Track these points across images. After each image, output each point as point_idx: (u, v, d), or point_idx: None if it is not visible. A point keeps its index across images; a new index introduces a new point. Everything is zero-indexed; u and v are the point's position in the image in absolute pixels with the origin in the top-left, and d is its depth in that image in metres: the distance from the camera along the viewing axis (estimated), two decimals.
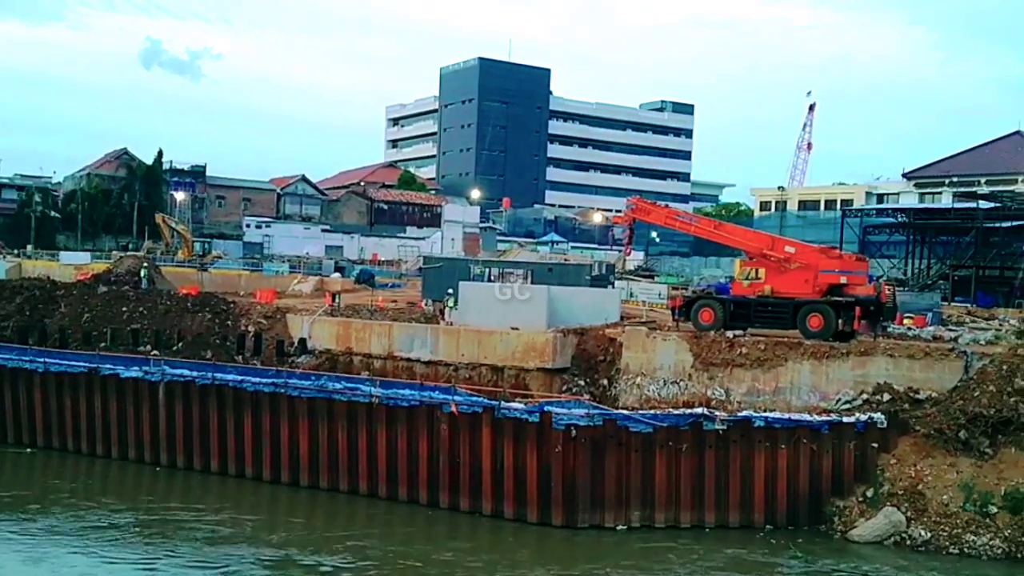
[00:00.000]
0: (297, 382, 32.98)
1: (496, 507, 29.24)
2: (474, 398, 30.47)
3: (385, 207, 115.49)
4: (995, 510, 26.60)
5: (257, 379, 33.66)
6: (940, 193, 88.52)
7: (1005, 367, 29.11)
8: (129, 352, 38.95)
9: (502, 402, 29.84)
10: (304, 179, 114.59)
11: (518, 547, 27.41)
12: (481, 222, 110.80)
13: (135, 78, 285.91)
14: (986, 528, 26.42)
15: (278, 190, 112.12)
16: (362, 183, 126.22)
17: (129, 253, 69.47)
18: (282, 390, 32.80)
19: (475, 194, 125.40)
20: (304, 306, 44.70)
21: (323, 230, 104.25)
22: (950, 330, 40.61)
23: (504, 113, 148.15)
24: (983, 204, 70.50)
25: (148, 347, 40.24)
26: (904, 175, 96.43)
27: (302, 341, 39.80)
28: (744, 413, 29.54)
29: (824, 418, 29.28)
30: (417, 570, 25.39)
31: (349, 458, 31.65)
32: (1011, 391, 28.21)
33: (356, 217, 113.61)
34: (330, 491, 31.77)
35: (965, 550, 26.28)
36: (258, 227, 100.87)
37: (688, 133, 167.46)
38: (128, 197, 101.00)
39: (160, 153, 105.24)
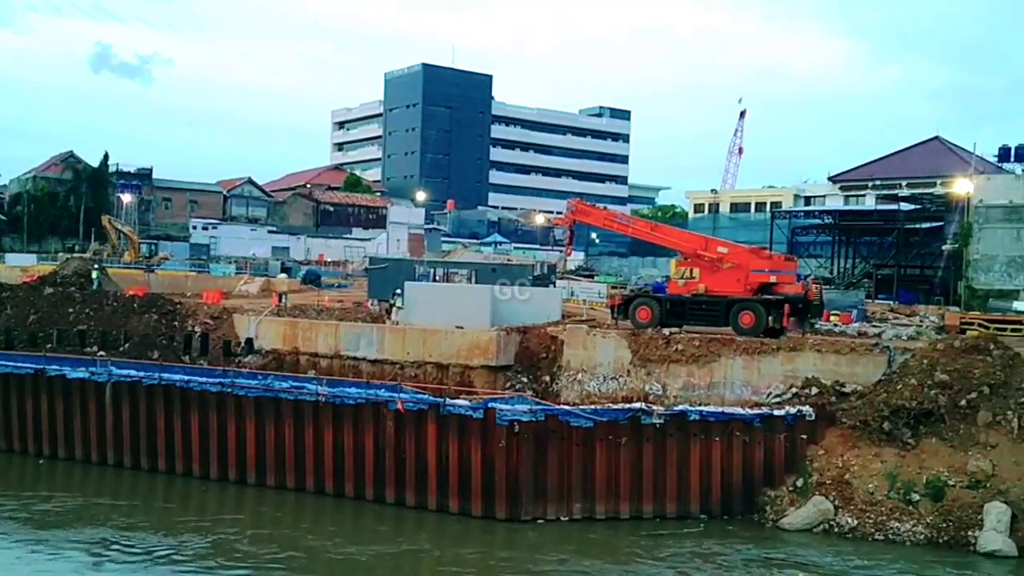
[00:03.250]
0: (244, 381, 32.52)
1: (441, 502, 29.12)
2: (420, 395, 30.31)
3: (331, 209, 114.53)
4: (917, 498, 27.12)
5: (204, 379, 33.12)
6: (864, 196, 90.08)
7: (926, 361, 29.70)
8: (75, 353, 38.10)
9: (447, 399, 29.73)
10: (250, 181, 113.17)
11: (463, 540, 27.31)
12: (426, 224, 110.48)
13: (84, 82, 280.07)
14: (909, 515, 26.93)
15: (225, 192, 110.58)
16: (308, 185, 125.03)
17: (75, 255, 67.97)
18: (229, 390, 32.31)
19: (420, 196, 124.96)
20: (251, 306, 44.11)
21: (269, 231, 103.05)
22: (874, 326, 41.34)
23: (448, 117, 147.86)
24: (904, 206, 72.04)
25: (95, 348, 39.40)
26: (830, 178, 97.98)
27: (249, 341, 39.26)
28: (680, 407, 29.78)
29: (756, 411, 29.63)
30: (365, 565, 25.17)
31: (296, 456, 31.29)
32: (931, 384, 28.78)
33: (302, 219, 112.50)
34: (278, 489, 31.36)
35: (890, 536, 26.76)
36: (204, 229, 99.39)
37: (625, 138, 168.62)
38: (74, 199, 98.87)
39: (106, 156, 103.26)
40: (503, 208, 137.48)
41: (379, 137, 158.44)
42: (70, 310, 42.35)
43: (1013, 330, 34.66)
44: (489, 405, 28.92)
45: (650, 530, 27.71)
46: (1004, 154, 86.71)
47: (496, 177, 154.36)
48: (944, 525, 26.51)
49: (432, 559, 25.92)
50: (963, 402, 28.30)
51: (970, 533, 26.05)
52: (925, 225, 69.30)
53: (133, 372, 34.14)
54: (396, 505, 29.61)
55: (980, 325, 35.38)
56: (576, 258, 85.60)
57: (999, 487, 26.58)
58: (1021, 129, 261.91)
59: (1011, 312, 36.96)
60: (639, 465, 28.74)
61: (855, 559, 25.40)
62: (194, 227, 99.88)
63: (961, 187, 56.98)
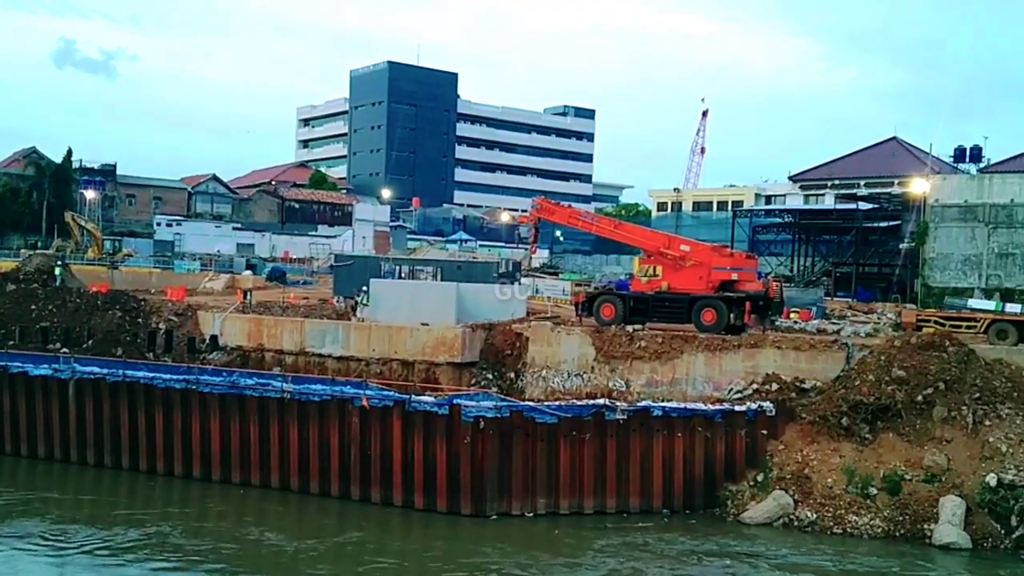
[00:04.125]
0: (208, 378, 32.22)
1: (406, 498, 29.03)
2: (385, 392, 30.21)
3: (296, 206, 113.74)
4: (875, 492, 27.45)
5: (168, 376, 32.77)
6: (823, 195, 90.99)
7: (883, 358, 30.06)
8: (38, 350, 37.50)
9: (412, 396, 29.66)
10: (215, 178, 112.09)
11: (428, 536, 27.29)
12: (391, 221, 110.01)
13: (47, 78, 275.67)
14: (867, 509, 27.26)
15: (189, 189, 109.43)
16: (273, 182, 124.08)
17: (38, 251, 66.88)
18: (193, 387, 32.00)
19: (385, 194, 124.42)
20: (215, 303, 43.69)
21: (234, 228, 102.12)
22: (833, 323, 41.76)
23: (413, 115, 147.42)
24: (862, 205, 72.80)
25: (58, 345, 38.81)
26: (790, 178, 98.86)
27: (213, 338, 38.86)
28: (643, 403, 29.92)
29: (717, 407, 29.84)
30: (328, 561, 25.03)
31: (261, 453, 31.07)
32: (889, 380, 29.13)
33: (267, 215, 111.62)
34: (242, 485, 31.13)
35: (848, 530, 27.07)
36: (169, 225, 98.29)
37: (590, 137, 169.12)
38: (37, 196, 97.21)
39: (69, 152, 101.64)
40: (468, 206, 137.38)
41: (345, 134, 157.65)
42: (32, 307, 41.62)
43: (968, 327, 35.12)
44: (454, 402, 28.88)
45: (614, 525, 27.82)
46: (959, 155, 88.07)
47: (461, 175, 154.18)
48: (901, 519, 26.85)
49: (396, 555, 25.83)
50: (919, 398, 28.68)
51: (926, 526, 26.43)
52: (883, 224, 70.09)
53: (97, 369, 33.72)
54: (361, 502, 29.49)
55: (936, 322, 35.81)
56: (541, 256, 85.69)
57: (954, 481, 26.98)
58: (976, 130, 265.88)
59: (966, 310, 37.41)
60: (603, 461, 28.84)
61: (814, 552, 25.68)
62: (158, 224, 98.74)
63: (918, 187, 57.69)
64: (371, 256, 63.42)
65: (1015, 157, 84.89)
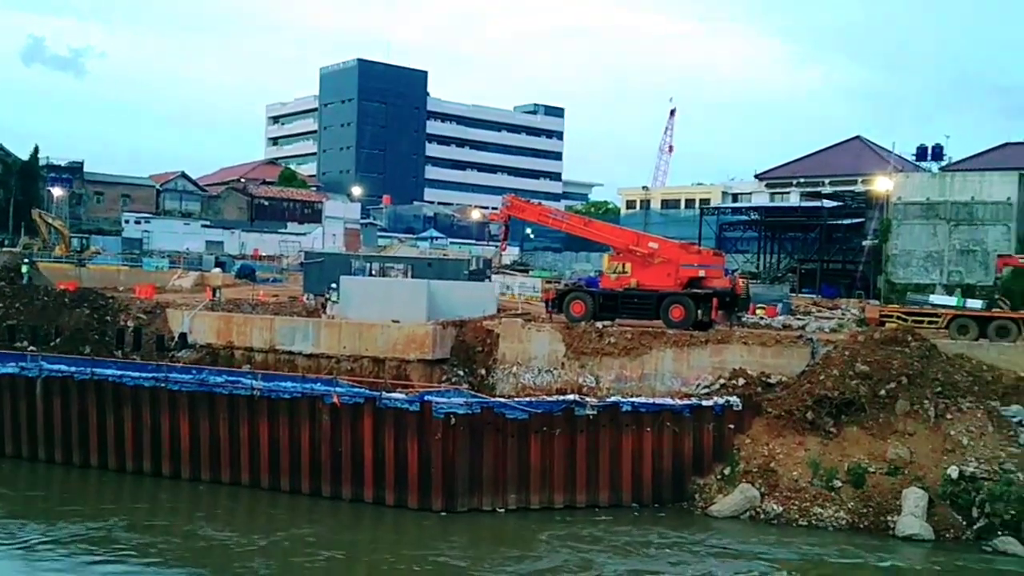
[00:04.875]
0: (178, 376, 31.97)
1: (378, 494, 28.99)
2: (356, 389, 30.13)
3: (266, 203, 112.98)
4: (839, 484, 27.75)
5: (137, 374, 32.48)
6: (788, 193, 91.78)
7: (847, 353, 30.40)
8: (6, 348, 37.07)
9: (383, 393, 29.60)
10: (184, 175, 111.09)
11: (399, 532, 27.26)
12: (362, 218, 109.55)
13: (15, 75, 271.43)
14: (831, 501, 27.55)
15: (157, 186, 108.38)
16: (242, 180, 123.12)
17: (5, 249, 66.03)
18: (162, 384, 31.74)
19: (356, 191, 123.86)
20: (184, 301, 43.36)
21: (203, 226, 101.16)
22: (798, 319, 42.16)
23: (383, 113, 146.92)
24: (827, 203, 73.46)
25: (25, 343, 38.37)
26: (756, 176, 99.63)
27: (182, 336, 38.57)
28: (613, 399, 30.06)
29: (685, 402, 30.04)
30: (300, 558, 24.92)
31: (231, 450, 30.89)
32: (852, 375, 29.47)
33: (237, 213, 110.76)
34: (212, 483, 30.94)
35: (813, 522, 27.35)
36: (137, 223, 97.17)
37: (559, 135, 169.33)
38: (3, 193, 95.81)
39: (36, 149, 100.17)
40: (439, 203, 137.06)
41: (314, 132, 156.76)
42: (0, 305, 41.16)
43: (929, 322, 35.57)
44: (425, 398, 28.85)
45: (583, 519, 27.92)
46: (921, 153, 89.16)
47: (432, 172, 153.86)
48: (864, 510, 27.17)
49: (367, 551, 25.81)
50: (882, 392, 29.04)
51: (889, 518, 26.75)
52: (847, 221, 70.73)
53: (64, 367, 33.35)
54: (332, 499, 29.40)
55: (898, 318, 36.22)
56: (511, 253, 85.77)
57: (916, 473, 27.34)
58: (937, 129, 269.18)
59: (928, 305, 37.89)
60: (573, 456, 28.94)
61: (780, 544, 25.90)
62: (126, 221, 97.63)
63: (881, 185, 58.33)
64: (341, 254, 63.09)
65: (976, 155, 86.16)
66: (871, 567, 24.55)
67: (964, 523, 26.38)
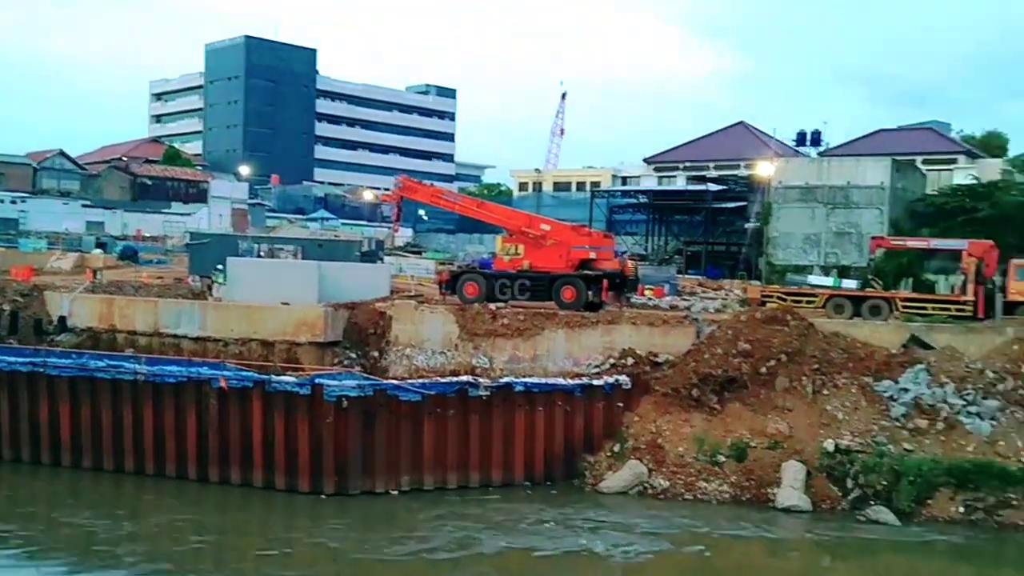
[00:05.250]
0: (57, 361, 30.70)
1: (268, 478, 28.49)
2: (244, 373, 29.49)
3: (149, 182, 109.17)
4: (723, 459, 28.58)
5: (13, 358, 31.06)
6: (675, 177, 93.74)
7: (730, 332, 31.28)
8: None
9: (273, 376, 29.09)
10: (62, 153, 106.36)
11: (291, 516, 26.93)
12: (250, 199, 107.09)
13: None
14: (715, 475, 28.36)
15: (34, 164, 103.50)
16: (125, 158, 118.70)
17: None
18: (41, 369, 30.44)
19: (243, 171, 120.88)
20: (64, 283, 41.67)
21: (83, 205, 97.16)
22: (684, 300, 43.18)
23: (271, 91, 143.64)
24: (712, 187, 75.32)
25: None
26: (645, 160, 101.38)
27: (62, 319, 37.07)
28: (506, 379, 30.22)
29: (577, 382, 30.43)
30: (188, 544, 24.34)
31: (115, 437, 29.87)
32: (735, 353, 30.35)
33: (119, 192, 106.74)
34: (95, 471, 29.87)
35: (698, 496, 28.11)
36: (13, 202, 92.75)
37: (452, 116, 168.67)
38: None
39: None
40: (329, 184, 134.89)
41: (200, 110, 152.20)
42: None
43: (808, 302, 36.91)
44: (316, 381, 28.47)
45: (476, 498, 28.06)
46: (801, 139, 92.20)
47: (322, 152, 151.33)
48: (747, 484, 28.05)
49: (257, 536, 25.41)
50: (763, 369, 29.99)
51: (770, 490, 27.69)
52: (731, 205, 72.65)
53: None
54: (220, 484, 28.76)
55: (779, 298, 37.51)
56: (404, 234, 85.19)
57: (795, 447, 28.35)
58: (815, 115, 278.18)
59: (806, 285, 39.33)
60: (466, 436, 29.02)
61: (666, 518, 26.52)
62: (1, 201, 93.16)
63: (763, 169, 60.11)
64: (228, 234, 61.56)
65: (852, 141, 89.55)
66: (753, 538, 25.38)
67: (840, 494, 27.51)
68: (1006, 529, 25.82)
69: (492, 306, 35.44)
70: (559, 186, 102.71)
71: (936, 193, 56.10)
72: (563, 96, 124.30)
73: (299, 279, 37.45)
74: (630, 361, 31.61)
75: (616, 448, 29.65)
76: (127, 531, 24.92)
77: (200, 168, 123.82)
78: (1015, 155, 73.66)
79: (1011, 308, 34.49)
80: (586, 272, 36.82)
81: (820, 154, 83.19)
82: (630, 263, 40.16)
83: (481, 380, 29.87)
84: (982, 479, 26.51)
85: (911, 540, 25.38)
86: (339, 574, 23.15)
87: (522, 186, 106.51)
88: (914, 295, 37.61)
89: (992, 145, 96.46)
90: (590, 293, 36.21)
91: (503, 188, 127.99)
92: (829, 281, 39.94)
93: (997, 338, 30.82)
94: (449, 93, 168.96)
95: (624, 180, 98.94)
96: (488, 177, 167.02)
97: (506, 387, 29.53)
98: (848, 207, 51.95)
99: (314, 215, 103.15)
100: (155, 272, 50.94)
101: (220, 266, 39.75)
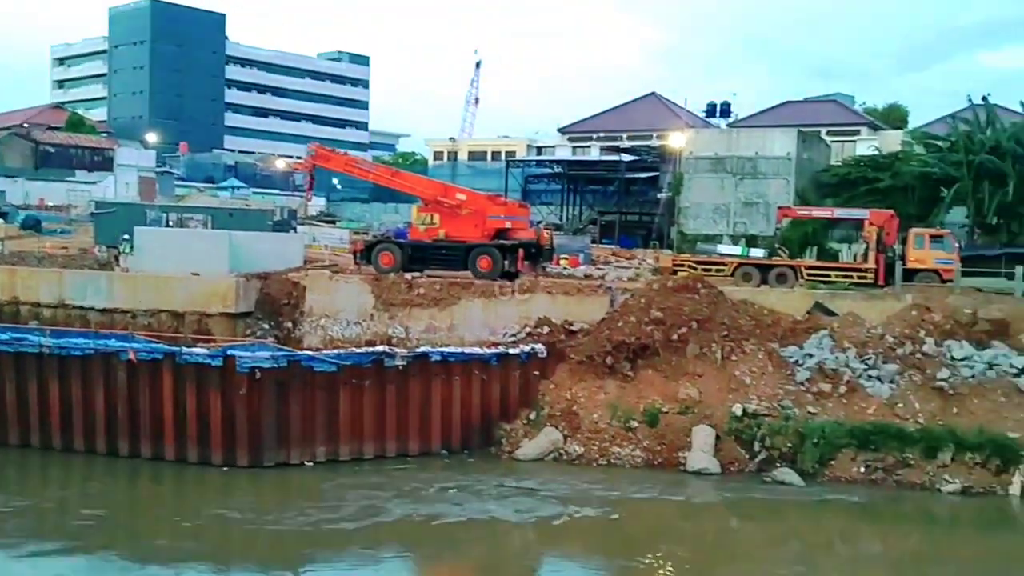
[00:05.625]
0: None
1: (180, 452, 27.88)
2: (153, 345, 28.77)
3: (52, 150, 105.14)
4: (636, 424, 29.03)
5: None
6: (589, 147, 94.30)
7: (643, 300, 31.66)
8: None
9: (183, 348, 28.44)
10: None
11: (202, 489, 26.46)
12: (157, 167, 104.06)
13: None
14: (629, 441, 28.80)
15: None
16: (25, 124, 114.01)
17: None
18: None
19: (150, 138, 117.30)
20: None
21: None
22: (598, 269, 43.60)
23: (179, 56, 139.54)
24: (625, 157, 76.06)
25: None
26: (559, 130, 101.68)
27: None
28: (422, 349, 30.11)
29: (493, 351, 30.49)
30: (93, 518, 23.72)
31: (19, 412, 28.84)
32: (647, 321, 30.75)
33: (20, 160, 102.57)
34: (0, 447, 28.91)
35: (612, 461, 28.52)
36: None
37: (365, 83, 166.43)
38: None
39: None
40: (240, 152, 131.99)
41: (104, 75, 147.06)
42: None
43: (717, 270, 37.59)
44: (228, 352, 27.91)
45: (392, 468, 27.98)
46: (711, 110, 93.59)
47: (232, 120, 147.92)
48: (659, 448, 28.54)
49: (169, 510, 24.85)
50: (675, 336, 30.46)
51: (681, 454, 28.23)
52: (643, 175, 73.50)
53: None
54: (131, 457, 28.04)
55: (689, 267, 38.10)
56: (317, 204, 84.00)
57: (705, 412, 28.93)
58: (724, 87, 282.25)
59: (715, 254, 40.04)
60: (383, 407, 28.85)
61: (581, 482, 26.86)
62: None
63: (674, 140, 60.85)
64: (135, 203, 59.87)
65: (760, 112, 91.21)
66: (665, 501, 25.90)
67: (747, 456, 28.21)
68: (904, 488, 26.83)
69: (408, 276, 35.23)
70: (474, 155, 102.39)
71: (840, 164, 57.53)
72: (478, 65, 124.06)
73: (209, 249, 36.60)
74: (546, 330, 31.78)
75: (532, 416, 29.85)
76: (31, 506, 24.23)
77: (105, 135, 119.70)
78: (914, 127, 75.97)
79: (910, 275, 35.66)
80: (502, 242, 36.85)
81: (729, 125, 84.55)
82: (545, 233, 40.33)
83: (397, 350, 29.69)
84: (881, 440, 27.46)
85: (814, 499, 26.18)
86: (230, 545, 22.69)
87: (437, 155, 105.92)
88: (818, 263, 38.62)
89: (893, 117, 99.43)
90: (506, 263, 36.27)
91: (418, 157, 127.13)
92: (738, 250, 40.71)
93: (896, 304, 31.86)
94: (362, 60, 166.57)
95: (539, 150, 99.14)
96: (403, 146, 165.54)
97: (423, 357, 29.43)
98: (756, 177, 52.90)
99: (224, 184, 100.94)
100: (59, 242, 49.26)
101: (127, 236, 38.65)
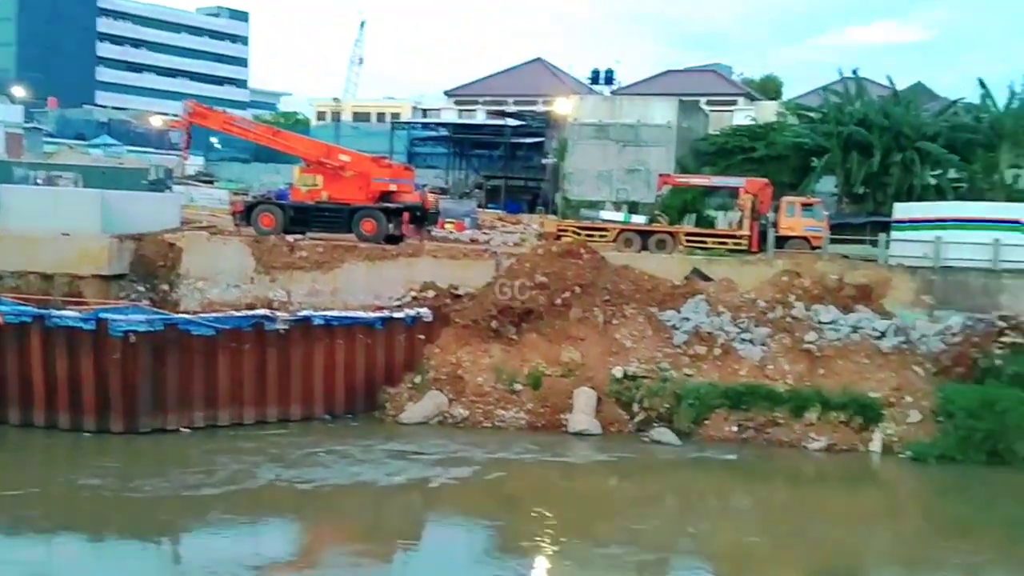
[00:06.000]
0: None
1: (50, 418, 26.75)
2: (21, 307, 27.50)
3: None
4: (520, 387, 29.30)
5: None
6: (475, 111, 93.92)
7: (527, 265, 31.86)
8: None
9: (53, 311, 27.22)
10: None
11: (74, 456, 25.50)
12: (25, 122, 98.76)
13: None
14: (513, 403, 29.07)
15: None
16: None
17: None
18: None
19: (17, 92, 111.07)
20: None
21: None
22: (484, 234, 43.64)
23: (47, 7, 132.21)
24: (510, 122, 76.06)
25: None
26: (446, 93, 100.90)
27: None
28: (304, 313, 29.63)
29: (378, 315, 30.25)
30: None
31: None
32: (532, 285, 30.98)
33: None
34: None
35: (496, 423, 28.76)
36: None
37: (244, 40, 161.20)
38: None
39: None
40: (113, 108, 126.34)
41: None
42: None
43: (600, 236, 38.11)
44: (101, 316, 26.88)
45: (272, 433, 27.51)
46: (595, 77, 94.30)
47: (105, 75, 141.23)
48: (542, 410, 28.92)
49: (38, 480, 23.87)
50: (558, 301, 30.80)
51: (563, 416, 28.68)
52: (529, 140, 73.69)
53: None
54: None
55: (573, 232, 38.51)
56: (195, 163, 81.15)
57: (587, 375, 29.41)
58: (609, 55, 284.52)
59: (598, 220, 40.56)
60: (263, 371, 28.29)
61: (466, 445, 27.01)
62: None
63: (559, 107, 61.12)
64: (1, 160, 56.71)
65: (643, 81, 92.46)
66: (547, 462, 26.28)
67: (627, 417, 28.86)
68: (773, 446, 27.95)
69: (289, 238, 34.53)
70: (359, 116, 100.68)
71: (718, 133, 58.84)
72: (362, 24, 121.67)
73: (80, 208, 35.00)
74: (431, 294, 31.68)
75: (417, 380, 29.78)
76: None
77: None
78: (789, 99, 78.33)
79: (782, 242, 36.87)
80: (386, 204, 36.48)
81: (613, 93, 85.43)
82: (431, 196, 40.13)
83: (278, 314, 29.14)
84: (753, 400, 28.49)
85: (690, 458, 27.03)
86: (102, 512, 21.95)
87: (320, 115, 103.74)
88: (696, 230, 39.55)
89: (769, 88, 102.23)
90: (390, 226, 35.96)
91: (300, 117, 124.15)
92: (620, 216, 41.34)
93: (769, 270, 32.95)
94: (241, 16, 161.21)
95: (425, 112, 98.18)
96: (285, 106, 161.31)
97: (305, 321, 28.96)
98: (638, 145, 53.65)
99: (96, 141, 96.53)
100: None
101: None
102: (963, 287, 32.08)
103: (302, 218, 36.38)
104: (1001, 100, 45.39)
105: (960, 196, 40.44)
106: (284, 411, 28.64)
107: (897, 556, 21.91)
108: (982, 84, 46.44)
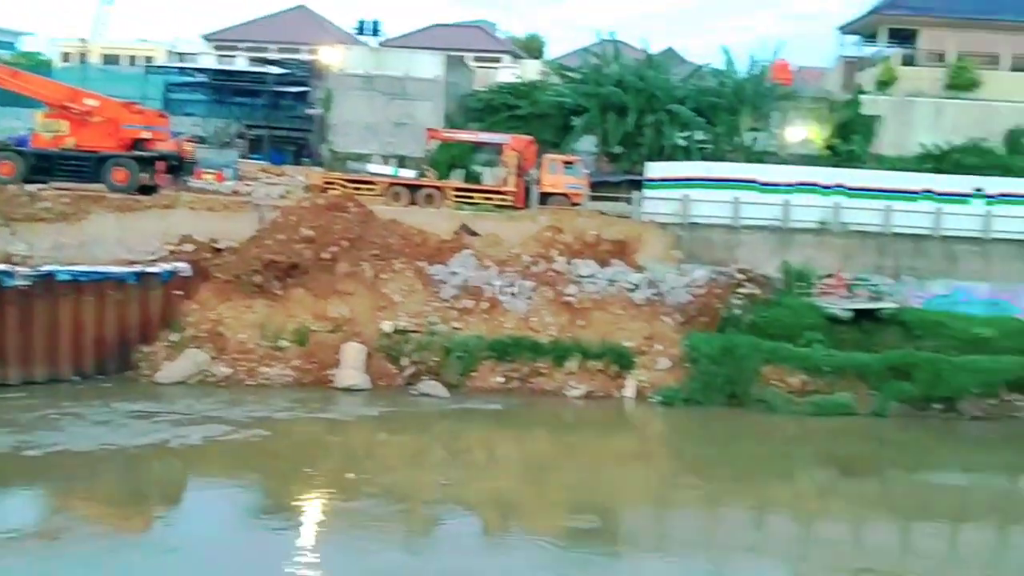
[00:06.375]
0: None
1: None
2: None
3: None
4: (285, 344, 28.66)
5: None
6: (235, 57, 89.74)
7: (293, 218, 31.07)
8: None
9: None
10: None
11: None
12: None
13: None
14: (278, 360, 28.42)
15: None
16: None
17: None
18: None
19: None
20: None
21: None
22: (247, 185, 41.94)
23: None
24: (273, 70, 73.27)
25: None
26: (203, 37, 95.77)
27: None
28: (48, 268, 27.44)
29: (131, 269, 28.60)
30: None
31: None
32: (298, 239, 30.26)
33: None
34: None
35: (261, 381, 28.02)
36: None
37: None
38: None
39: None
40: None
41: None
42: None
43: (368, 189, 37.61)
44: None
45: (13, 396, 25.43)
46: (361, 28, 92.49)
47: None
48: (309, 367, 28.47)
49: None
50: (325, 255, 30.28)
51: (331, 372, 28.34)
52: (293, 89, 71.23)
53: None
54: None
55: (341, 185, 37.79)
56: None
57: (356, 330, 29.20)
58: (375, 5, 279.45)
59: (366, 173, 40.03)
60: (2, 330, 26.08)
61: (228, 404, 26.17)
62: None
63: (324, 55, 59.44)
64: None
65: (410, 33, 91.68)
66: (313, 418, 25.97)
67: (396, 371, 28.94)
68: (536, 395, 29.01)
69: (31, 188, 31.76)
70: (109, 59, 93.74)
71: (484, 89, 59.36)
72: None
73: None
74: (189, 248, 30.28)
75: (175, 337, 28.47)
76: None
77: None
78: (552, 59, 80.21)
79: (545, 198, 37.87)
80: (139, 153, 34.38)
81: (381, 44, 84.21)
82: (187, 145, 38.12)
83: (19, 268, 26.87)
84: (518, 351, 29.37)
85: (458, 409, 27.55)
86: None
87: (66, 57, 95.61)
88: (463, 185, 39.86)
89: (532, 47, 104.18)
90: (144, 175, 33.97)
91: (43, 58, 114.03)
92: (388, 170, 41.00)
93: (533, 226, 33.85)
94: None
95: (181, 56, 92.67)
96: (27, 46, 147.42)
97: (48, 276, 26.89)
98: (406, 98, 53.21)
99: None
100: None
101: None
102: (707, 242, 34.36)
103: (45, 166, 33.61)
104: (743, 68, 48.47)
105: (705, 157, 42.89)
106: (27, 372, 26.57)
107: (648, 494, 23.41)
108: (726, 52, 49.38)
